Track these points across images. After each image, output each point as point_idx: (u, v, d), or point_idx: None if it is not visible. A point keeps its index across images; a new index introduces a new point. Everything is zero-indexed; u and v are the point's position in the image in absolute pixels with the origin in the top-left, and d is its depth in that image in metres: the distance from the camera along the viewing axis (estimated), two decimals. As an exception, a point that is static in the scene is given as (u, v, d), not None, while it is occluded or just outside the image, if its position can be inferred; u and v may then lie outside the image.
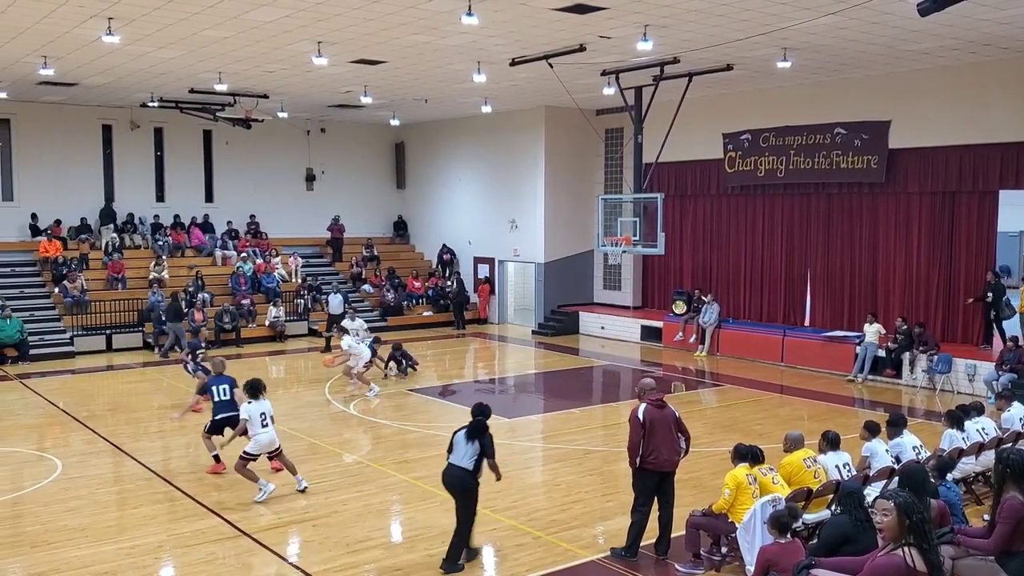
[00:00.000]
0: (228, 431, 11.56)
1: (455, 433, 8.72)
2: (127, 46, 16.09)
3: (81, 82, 20.84)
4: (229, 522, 9.99)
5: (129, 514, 10.37)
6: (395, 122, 28.68)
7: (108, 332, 22.87)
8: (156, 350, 22.31)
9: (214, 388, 12.02)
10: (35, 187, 25.14)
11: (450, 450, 8.69)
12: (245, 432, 10.81)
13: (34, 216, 25.02)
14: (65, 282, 23.38)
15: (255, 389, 10.83)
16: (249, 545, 9.33)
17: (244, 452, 10.75)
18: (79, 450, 12.91)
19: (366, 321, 22.16)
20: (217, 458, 11.90)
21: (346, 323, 20.13)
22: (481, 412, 8.81)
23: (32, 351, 21.16)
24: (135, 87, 21.71)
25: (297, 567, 8.78)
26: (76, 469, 12.17)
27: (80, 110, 25.27)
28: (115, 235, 25.79)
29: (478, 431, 8.58)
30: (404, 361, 19.27)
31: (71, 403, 16.48)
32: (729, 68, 18.19)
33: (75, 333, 22.48)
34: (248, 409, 10.73)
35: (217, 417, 11.85)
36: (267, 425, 10.74)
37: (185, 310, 22.70)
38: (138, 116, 26.16)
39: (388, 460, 12.68)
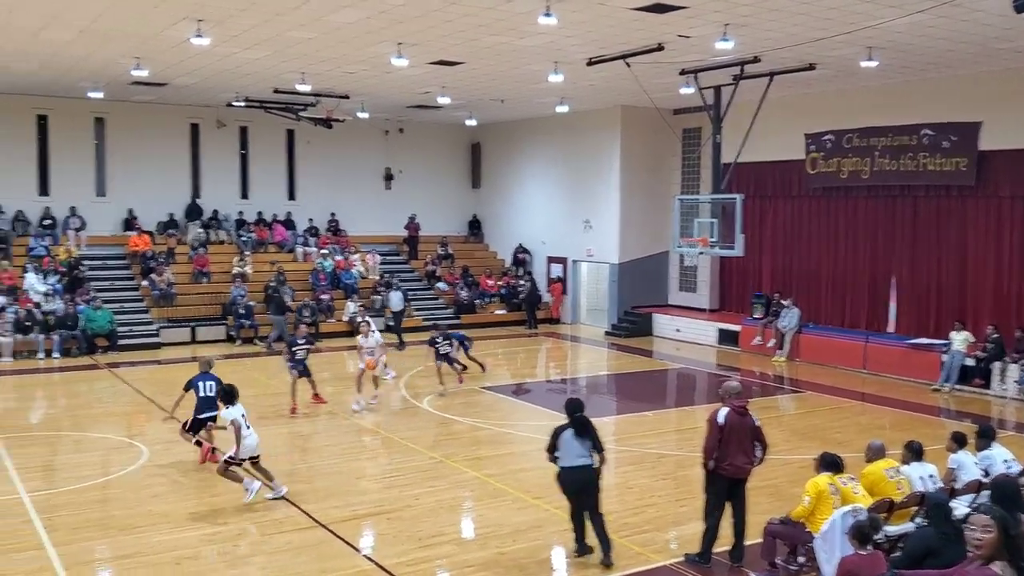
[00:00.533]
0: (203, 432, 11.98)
1: (559, 434, 8.62)
2: (215, 47, 16.55)
3: (171, 82, 21.52)
4: (306, 512, 10.21)
5: (210, 501, 10.67)
6: (471, 122, 28.89)
7: (192, 324, 23.62)
8: (237, 342, 22.97)
9: (200, 384, 12.07)
10: (127, 184, 26.06)
11: (552, 450, 8.61)
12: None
13: (129, 212, 25.95)
14: (153, 275, 24.21)
15: (230, 395, 10.69)
16: (324, 536, 9.52)
17: (229, 457, 10.48)
18: (164, 438, 13.34)
19: (441, 318, 22.37)
20: (199, 443, 12.13)
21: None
22: (579, 407, 8.79)
23: (121, 341, 21.96)
24: (222, 87, 22.32)
25: (372, 559, 8.92)
26: (161, 456, 12.58)
27: (170, 109, 26.10)
28: (201, 231, 26.58)
29: (586, 426, 8.59)
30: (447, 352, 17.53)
31: (157, 392, 17.03)
32: (811, 68, 17.81)
33: (161, 325, 23.26)
34: (231, 413, 10.50)
35: (201, 415, 11.94)
36: (249, 427, 10.59)
37: (288, 303, 23.38)
38: (224, 115, 26.89)
39: (460, 457, 12.77)
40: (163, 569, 8.59)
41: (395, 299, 24.19)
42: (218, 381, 11.97)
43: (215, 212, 27.37)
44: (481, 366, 19.00)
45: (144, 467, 12.13)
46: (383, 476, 11.60)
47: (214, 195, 27.50)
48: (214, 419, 11.81)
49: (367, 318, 18.23)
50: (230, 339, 23.48)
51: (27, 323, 21.20)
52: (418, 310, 26.47)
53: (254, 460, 10.69)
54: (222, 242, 27.01)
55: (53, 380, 19.24)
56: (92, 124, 25.65)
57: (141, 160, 26.16)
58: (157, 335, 22.90)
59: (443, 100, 23.02)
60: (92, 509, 10.39)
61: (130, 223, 25.84)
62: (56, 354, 21.09)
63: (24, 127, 24.76)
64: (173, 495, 10.93)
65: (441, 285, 28.26)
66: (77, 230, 24.98)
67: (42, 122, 25.04)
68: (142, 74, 19.28)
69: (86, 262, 24.30)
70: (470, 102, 24.64)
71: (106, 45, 17.00)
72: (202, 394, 12.00)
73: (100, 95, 23.25)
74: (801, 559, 8.37)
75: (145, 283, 24.35)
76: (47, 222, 24.84)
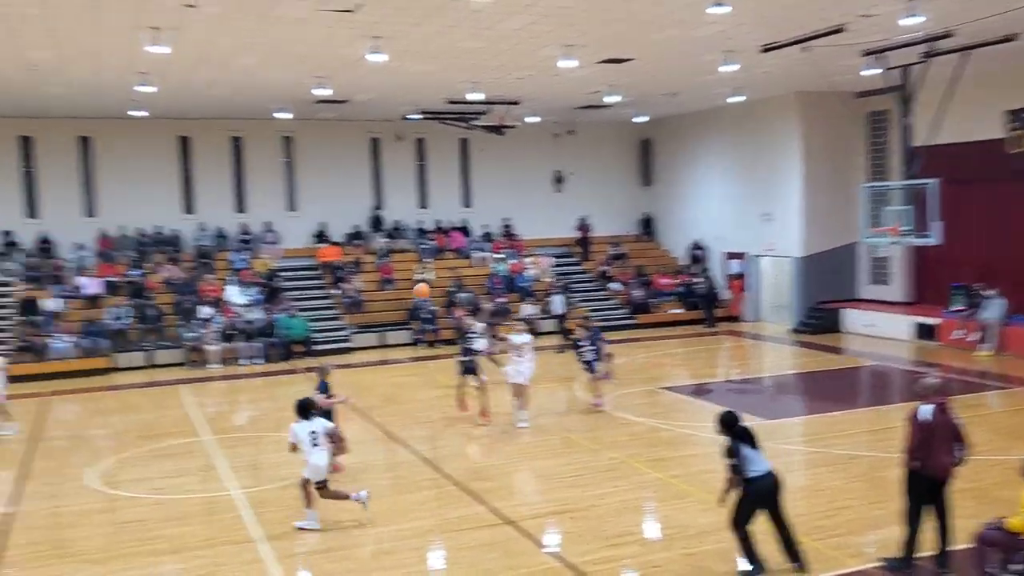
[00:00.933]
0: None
1: (739, 449, 8.15)
2: (390, 63, 17.24)
3: (352, 99, 22.61)
4: (494, 510, 10.43)
5: (402, 499, 11.11)
6: (640, 119, 28.64)
7: (381, 329, 24.73)
8: (420, 344, 23.86)
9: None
10: (315, 198, 27.63)
11: (740, 464, 8.14)
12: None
13: (320, 224, 27.50)
14: (343, 284, 25.55)
15: (303, 409, 10.01)
16: (510, 533, 9.69)
17: (316, 483, 9.91)
18: (357, 438, 14.00)
19: (612, 317, 22.24)
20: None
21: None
22: (736, 419, 8.44)
23: (315, 347, 23.28)
24: (398, 101, 23.25)
25: (559, 557, 9.00)
26: (354, 456, 13.18)
27: (351, 125, 27.46)
28: (384, 240, 27.77)
29: (752, 434, 8.30)
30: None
31: (349, 395, 17.87)
32: (1009, 39, 16.45)
33: (352, 330, 24.48)
34: (295, 429, 9.90)
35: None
36: (317, 444, 9.88)
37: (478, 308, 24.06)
38: (401, 129, 27.99)
39: (642, 458, 12.66)
40: (364, 563, 9.02)
41: (557, 302, 24.54)
42: (324, 387, 12.12)
43: (396, 222, 28.51)
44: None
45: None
46: (565, 476, 11.68)
47: (395, 205, 28.66)
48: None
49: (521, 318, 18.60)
50: (416, 343, 24.38)
51: (231, 332, 22.89)
52: (592, 311, 26.48)
53: (320, 485, 9.93)
54: (404, 250, 28.10)
55: (255, 384, 20.64)
56: (280, 143, 27.38)
57: (327, 175, 27.67)
58: (349, 340, 24.11)
59: (612, 99, 22.96)
60: (296, 505, 11.02)
61: (321, 235, 27.36)
62: (258, 360, 22.63)
63: (222, 149, 26.75)
64: (370, 492, 11.42)
65: (614, 285, 28.17)
66: (272, 243, 26.73)
67: (236, 143, 26.96)
68: (325, 92, 20.35)
69: (281, 273, 25.96)
70: (639, 98, 24.44)
71: (291, 67, 18.08)
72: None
73: (287, 115, 24.75)
74: (1020, 566, 7.73)
75: (336, 291, 25.71)
76: (245, 237, 26.72)
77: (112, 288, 23.98)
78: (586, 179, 30.61)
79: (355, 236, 27.85)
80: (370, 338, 24.43)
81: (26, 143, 24.93)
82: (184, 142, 26.40)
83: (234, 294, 24.29)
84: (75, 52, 16.15)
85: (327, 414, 11.43)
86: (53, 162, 25.13)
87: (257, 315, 23.70)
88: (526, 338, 15.04)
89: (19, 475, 12.83)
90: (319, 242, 27.33)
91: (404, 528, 9.98)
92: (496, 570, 8.68)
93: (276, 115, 24.65)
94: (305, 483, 9.95)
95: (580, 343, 16.10)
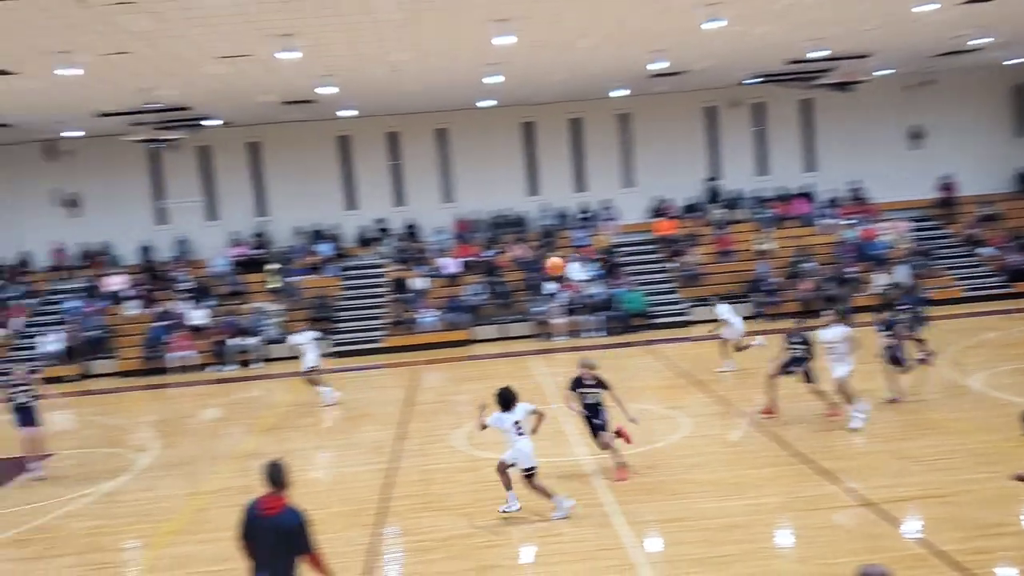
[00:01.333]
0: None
1: None
2: (728, 28, 16.78)
3: (688, 69, 22.39)
4: (849, 491, 9.88)
5: (751, 473, 10.88)
6: (1013, 61, 25.28)
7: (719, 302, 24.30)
8: (760, 318, 23.13)
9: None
10: (651, 172, 27.83)
11: None
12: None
13: (657, 199, 27.71)
14: (679, 257, 25.53)
15: (504, 400, 9.74)
16: (868, 515, 9.11)
17: (501, 460, 9.86)
18: (702, 411, 13.97)
19: (984, 286, 19.87)
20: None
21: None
22: None
23: (653, 320, 23.52)
24: (735, 67, 22.64)
25: (925, 543, 8.31)
26: (700, 428, 13.18)
27: (684, 96, 27.23)
28: (721, 211, 27.28)
29: None
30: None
31: (691, 368, 17.88)
32: None
33: (690, 304, 24.39)
34: (496, 419, 9.75)
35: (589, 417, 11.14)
36: (522, 433, 9.70)
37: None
38: (737, 95, 27.23)
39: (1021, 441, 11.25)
40: (715, 535, 8.97)
41: (901, 273, 22.54)
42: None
43: (733, 191, 27.86)
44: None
45: (685, 438, 12.81)
46: (928, 458, 10.73)
47: (732, 175, 28.01)
48: (601, 425, 11.07)
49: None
50: (756, 316, 23.71)
51: (574, 306, 23.84)
52: (959, 280, 24.02)
53: (528, 473, 9.73)
54: (742, 221, 27.39)
55: (597, 356, 21.24)
56: (616, 120, 27.86)
57: (662, 149, 27.76)
58: (686, 314, 24.06)
59: (980, 42, 20.51)
60: (642, 474, 11.24)
61: (658, 210, 27.54)
62: (600, 332, 23.37)
63: (561, 131, 27.82)
64: (714, 465, 11.37)
65: (986, 250, 25.25)
66: (610, 220, 27.38)
67: (575, 125, 27.86)
68: (661, 66, 20.35)
69: (619, 249, 26.51)
70: (1013, 39, 21.58)
71: (627, 45, 18.29)
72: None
73: (623, 92, 25.11)
74: None
75: (673, 265, 25.75)
76: (584, 215, 27.61)
77: (469, 267, 26.04)
78: (946, 133, 27.70)
79: (691, 208, 27.65)
80: (706, 311, 24.06)
81: (392, 139, 27.76)
82: (527, 127, 27.83)
83: (576, 270, 25.26)
84: (432, 50, 17.64)
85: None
86: (415, 154, 27.77)
87: (597, 289, 24.46)
88: (838, 332, 12.68)
89: (397, 435, 14.39)
90: (655, 216, 27.51)
91: (753, 503, 9.77)
92: (856, 551, 8.20)
93: (612, 94, 25.12)
94: (503, 467, 9.84)
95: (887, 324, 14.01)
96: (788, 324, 14.35)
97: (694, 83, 25.34)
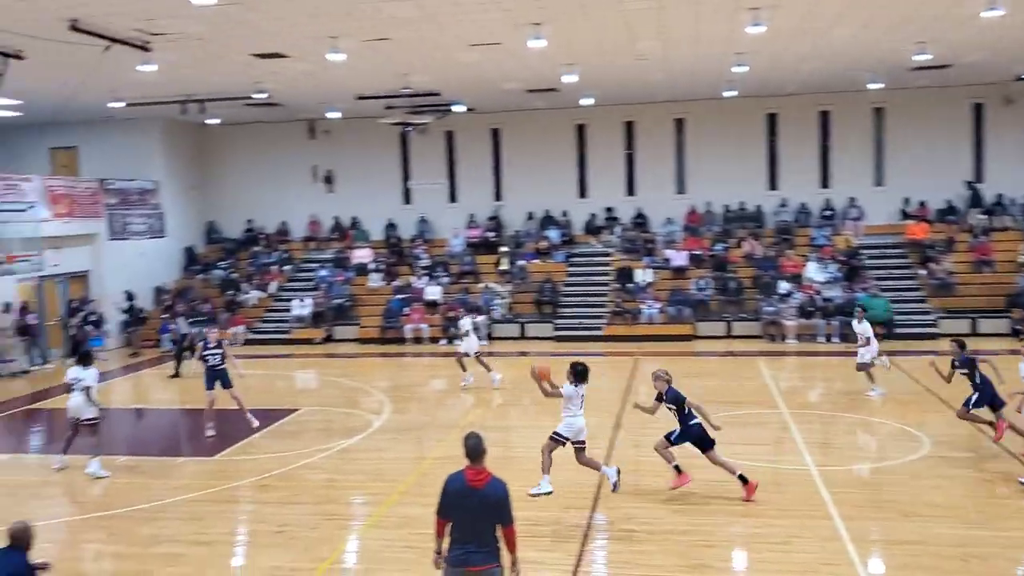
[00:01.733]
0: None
1: None
2: (1008, 17, 15.26)
3: (955, 62, 20.64)
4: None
5: (999, 503, 9.93)
6: None
7: (972, 316, 22.35)
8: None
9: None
10: (904, 172, 25.98)
11: None
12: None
13: (905, 201, 25.88)
14: (931, 264, 23.65)
15: (577, 374, 10.00)
16: None
17: (554, 433, 10.08)
18: (946, 431, 12.91)
19: None
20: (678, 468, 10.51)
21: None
22: None
23: (897, 330, 21.94)
24: (1012, 59, 20.58)
25: None
26: (944, 448, 12.15)
27: (947, 92, 25.13)
28: (983, 217, 25.00)
29: None
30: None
31: (934, 383, 16.52)
32: None
33: (939, 315, 22.54)
34: (572, 391, 10.00)
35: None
36: (581, 409, 10.04)
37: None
38: (1010, 91, 24.78)
39: None
40: (950, 563, 8.28)
41: None
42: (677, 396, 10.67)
43: (998, 196, 25.41)
44: None
45: (925, 457, 11.87)
46: None
47: (997, 178, 25.57)
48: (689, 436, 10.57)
49: None
50: (1015, 333, 21.51)
51: (809, 308, 22.72)
52: None
53: (579, 445, 10.11)
54: (1006, 228, 24.95)
55: (831, 363, 20.15)
56: (871, 115, 26.21)
57: (918, 147, 25.80)
58: (934, 325, 22.27)
59: None
60: (872, 490, 10.56)
61: (910, 212, 25.67)
62: (835, 339, 22.12)
63: (808, 124, 26.55)
64: (956, 489, 10.47)
65: None
66: (855, 220, 25.84)
67: (823, 118, 26.49)
68: (924, 58, 18.90)
69: (863, 251, 24.95)
70: None
71: (889, 34, 17.11)
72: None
73: (879, 85, 23.55)
74: None
75: (923, 272, 23.92)
76: (827, 213, 26.23)
77: (697, 261, 25.50)
78: None
79: (947, 212, 25.52)
80: (959, 324, 22.06)
81: (628, 127, 27.66)
82: (771, 119, 26.81)
83: (813, 270, 24.07)
84: (678, 39, 17.36)
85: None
86: (649, 143, 27.52)
87: (836, 293, 23.18)
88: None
89: (614, 424, 14.38)
90: (906, 218, 25.64)
91: (996, 535, 8.90)
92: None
93: (869, 86, 23.66)
94: (551, 447, 10.05)
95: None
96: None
97: (960, 78, 23.29)
